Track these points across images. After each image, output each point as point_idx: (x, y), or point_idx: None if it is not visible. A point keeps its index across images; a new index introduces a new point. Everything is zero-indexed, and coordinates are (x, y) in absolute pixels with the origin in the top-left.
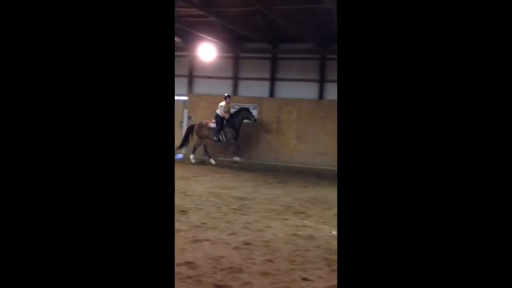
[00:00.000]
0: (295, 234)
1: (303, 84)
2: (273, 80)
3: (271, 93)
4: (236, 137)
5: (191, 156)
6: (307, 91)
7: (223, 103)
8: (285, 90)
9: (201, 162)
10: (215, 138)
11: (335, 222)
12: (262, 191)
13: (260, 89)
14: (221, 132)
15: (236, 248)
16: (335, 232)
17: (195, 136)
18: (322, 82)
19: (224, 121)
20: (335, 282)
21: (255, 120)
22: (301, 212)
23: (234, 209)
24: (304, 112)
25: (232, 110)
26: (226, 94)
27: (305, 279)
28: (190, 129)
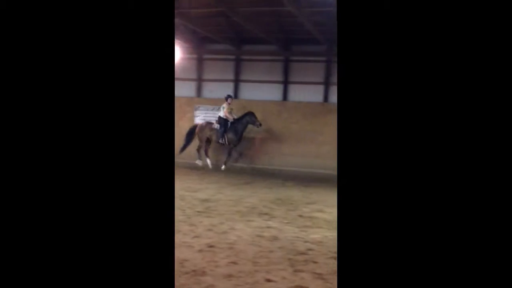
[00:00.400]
0: (259, 236)
1: (267, 85)
2: (237, 81)
3: (236, 95)
4: (237, 142)
5: (197, 161)
6: (271, 92)
7: (224, 105)
8: (249, 92)
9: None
10: (220, 141)
11: (299, 222)
12: (227, 192)
13: (224, 91)
14: (225, 134)
15: (200, 251)
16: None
17: (196, 138)
18: (286, 83)
19: (228, 123)
20: (298, 282)
21: (260, 125)
22: (266, 213)
23: (198, 211)
24: (268, 113)
25: (198, 113)
26: (227, 95)
27: (268, 280)
28: (192, 131)
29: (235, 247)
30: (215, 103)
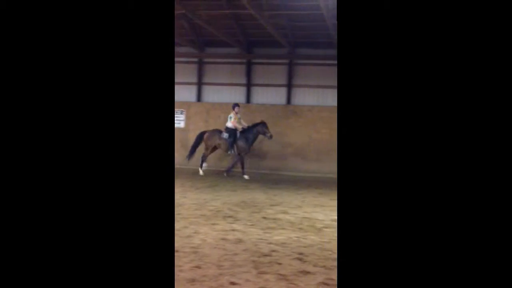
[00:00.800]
0: (223, 239)
1: (230, 88)
2: (200, 84)
3: (199, 98)
4: (247, 151)
5: (201, 168)
6: (234, 95)
7: (232, 114)
8: (212, 95)
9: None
10: (229, 152)
11: (263, 224)
12: (191, 196)
13: (188, 94)
14: (234, 145)
15: None
16: None
17: (204, 145)
18: (249, 86)
19: (238, 133)
20: (262, 284)
21: (271, 136)
22: (230, 216)
23: None
24: None
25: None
26: (234, 104)
27: (232, 283)
28: (200, 137)
29: (199, 251)
30: (179, 106)
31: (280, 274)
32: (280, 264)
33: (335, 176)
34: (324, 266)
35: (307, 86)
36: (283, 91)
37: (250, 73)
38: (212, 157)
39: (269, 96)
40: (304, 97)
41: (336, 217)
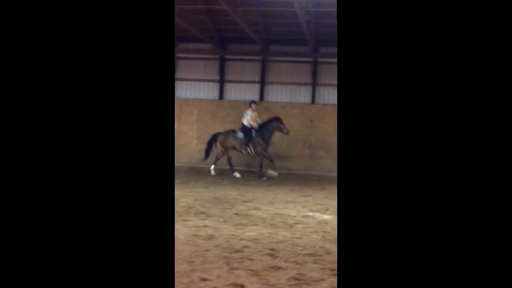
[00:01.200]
0: (195, 235)
1: (203, 84)
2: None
3: None
4: (265, 149)
5: (212, 167)
6: (208, 91)
7: (249, 111)
8: (185, 91)
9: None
10: (243, 151)
11: (235, 220)
12: None
13: None
14: (250, 143)
15: None
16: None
17: (218, 146)
18: (222, 82)
19: (253, 131)
20: (233, 280)
21: (288, 132)
22: (202, 213)
23: None
24: (204, 112)
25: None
26: (251, 100)
27: (204, 279)
28: (214, 138)
29: None
30: None
31: (251, 270)
32: (251, 260)
33: (307, 172)
34: (295, 262)
35: (280, 83)
36: (256, 87)
37: (223, 69)
38: (185, 153)
39: (242, 92)
40: (277, 94)
41: (307, 213)
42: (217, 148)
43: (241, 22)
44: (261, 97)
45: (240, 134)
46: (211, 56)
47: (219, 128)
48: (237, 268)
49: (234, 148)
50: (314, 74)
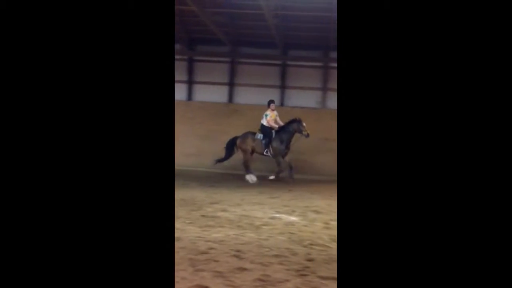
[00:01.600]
0: None
1: None
2: None
3: None
4: (284, 153)
5: (248, 176)
6: (176, 92)
7: (268, 112)
8: None
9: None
10: (265, 153)
11: (202, 222)
12: None
13: None
14: (270, 145)
15: None
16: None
17: (238, 150)
18: (190, 83)
19: (273, 133)
20: (198, 281)
21: (308, 135)
22: None
23: None
24: None
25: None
26: (270, 100)
27: None
28: (233, 142)
29: None
30: None
31: (217, 271)
32: (217, 261)
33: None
34: (261, 263)
35: (249, 85)
36: (224, 89)
37: (192, 71)
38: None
39: (210, 94)
40: (246, 96)
41: (274, 215)
42: (239, 152)
43: (209, 23)
44: (230, 99)
45: (259, 135)
46: (179, 56)
47: (186, 128)
48: (202, 270)
49: (253, 150)
50: (283, 76)
